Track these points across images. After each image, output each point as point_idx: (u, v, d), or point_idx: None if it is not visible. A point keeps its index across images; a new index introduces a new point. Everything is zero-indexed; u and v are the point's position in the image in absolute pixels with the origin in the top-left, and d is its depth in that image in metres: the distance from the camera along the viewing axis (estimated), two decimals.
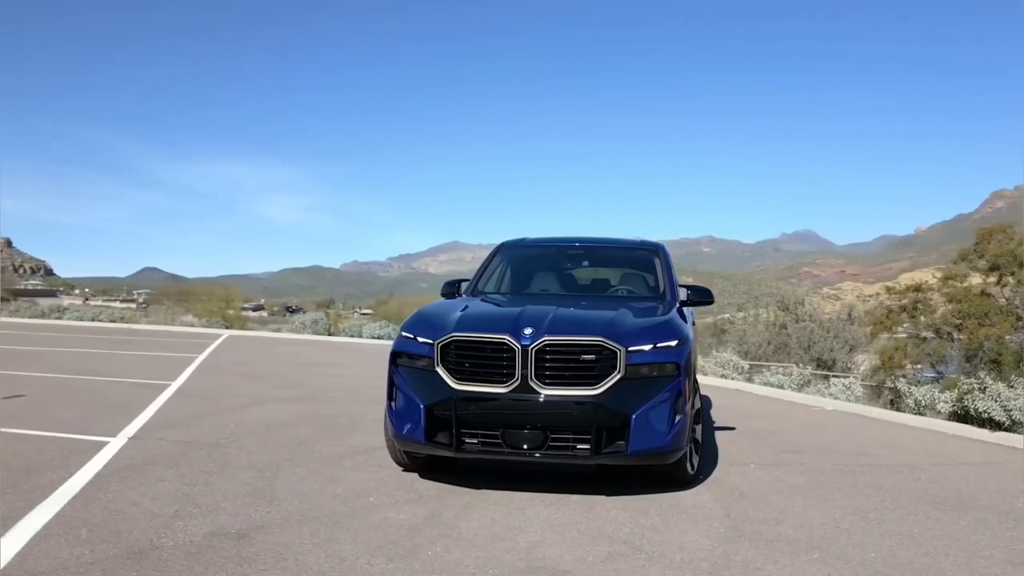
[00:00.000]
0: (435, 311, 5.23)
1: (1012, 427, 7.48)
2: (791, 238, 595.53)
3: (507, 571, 3.41)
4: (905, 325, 9.41)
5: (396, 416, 4.83)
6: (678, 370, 4.65)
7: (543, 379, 4.51)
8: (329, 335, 27.96)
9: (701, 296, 6.03)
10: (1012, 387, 7.79)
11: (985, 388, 7.82)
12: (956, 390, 8.46)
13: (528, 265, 6.74)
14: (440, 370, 4.68)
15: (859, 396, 9.97)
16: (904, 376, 9.16)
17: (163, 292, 46.96)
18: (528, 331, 4.57)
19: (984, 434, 7.53)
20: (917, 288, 10.24)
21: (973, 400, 7.78)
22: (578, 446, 4.53)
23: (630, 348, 4.54)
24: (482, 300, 5.65)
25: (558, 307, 5.04)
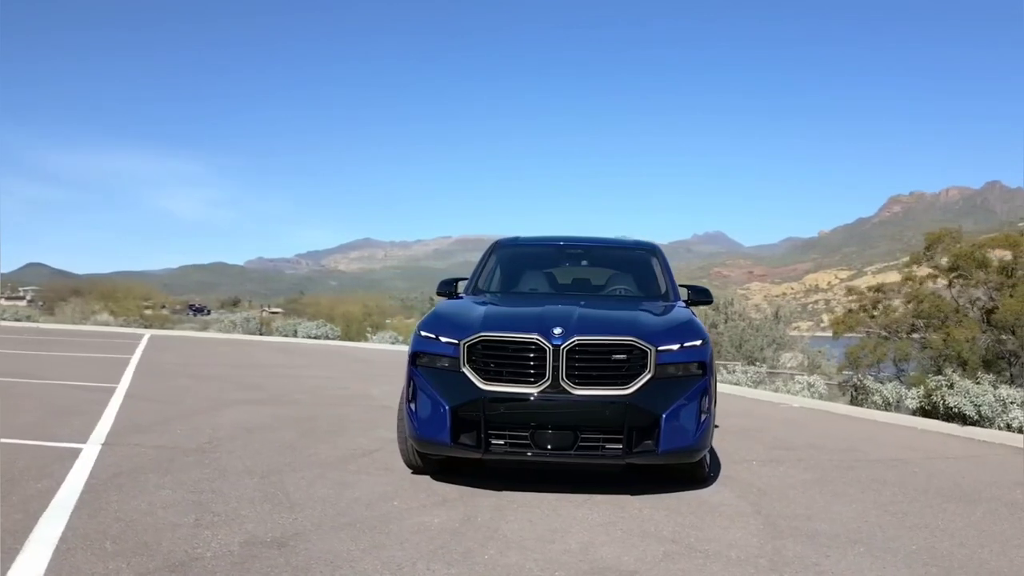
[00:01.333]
0: (453, 310, 5.19)
1: (980, 422, 7.93)
2: (702, 239, 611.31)
3: (573, 573, 3.42)
4: (874, 323, 9.88)
5: (417, 417, 4.76)
6: (704, 369, 4.76)
7: (574, 379, 4.53)
8: (261, 335, 27.30)
9: (701, 296, 6.16)
10: (979, 383, 8.26)
11: (953, 385, 8.27)
12: (923, 387, 8.91)
13: (528, 264, 6.76)
14: (466, 370, 4.64)
15: (822, 393, 10.41)
16: (870, 374, 9.60)
17: (52, 289, 44.56)
18: (558, 331, 4.59)
19: (954, 428, 7.96)
20: (879, 288, 10.78)
21: (943, 396, 8.21)
22: (607, 446, 4.58)
23: (659, 348, 4.62)
24: (495, 299, 5.62)
25: (579, 307, 5.08)
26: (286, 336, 26.18)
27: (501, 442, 4.62)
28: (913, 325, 10.11)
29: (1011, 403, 7.76)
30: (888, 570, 3.58)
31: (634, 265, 6.61)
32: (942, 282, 10.30)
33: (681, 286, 6.34)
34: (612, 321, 4.93)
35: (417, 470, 5.23)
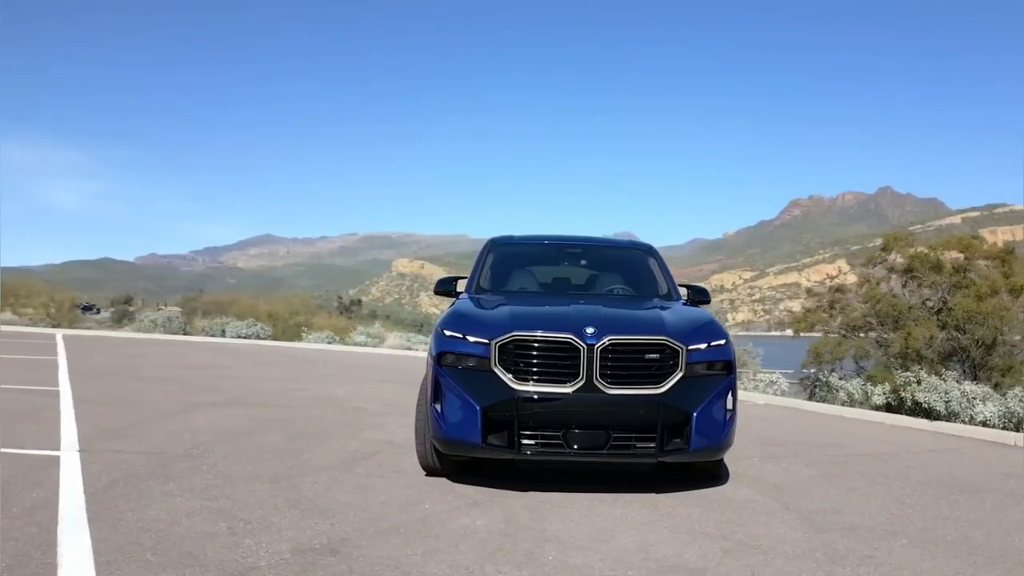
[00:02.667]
0: (475, 310, 5.17)
1: (947, 417, 8.40)
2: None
3: (643, 572, 3.46)
4: (835, 323, 10.33)
5: (445, 418, 4.72)
6: (729, 368, 4.89)
7: (607, 378, 4.59)
8: (185, 334, 26.34)
9: (700, 296, 6.30)
10: (944, 379, 8.74)
11: (920, 381, 8.72)
12: (886, 383, 9.36)
13: (529, 263, 6.78)
14: (498, 370, 4.63)
15: (784, 390, 10.82)
16: (832, 371, 10.03)
17: None
18: (590, 330, 4.63)
19: (923, 423, 8.40)
20: (838, 289, 11.29)
21: (912, 392, 8.65)
22: (638, 445, 4.64)
23: (689, 347, 4.72)
24: (510, 298, 5.60)
25: (602, 307, 5.14)
26: (213, 336, 25.34)
27: (532, 442, 4.63)
28: (869, 324, 10.62)
29: (974, 399, 8.25)
30: (939, 560, 3.77)
31: (634, 265, 6.72)
32: (896, 283, 10.86)
33: (680, 285, 6.47)
34: (641, 321, 5.00)
35: (432, 472, 5.18)
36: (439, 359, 4.81)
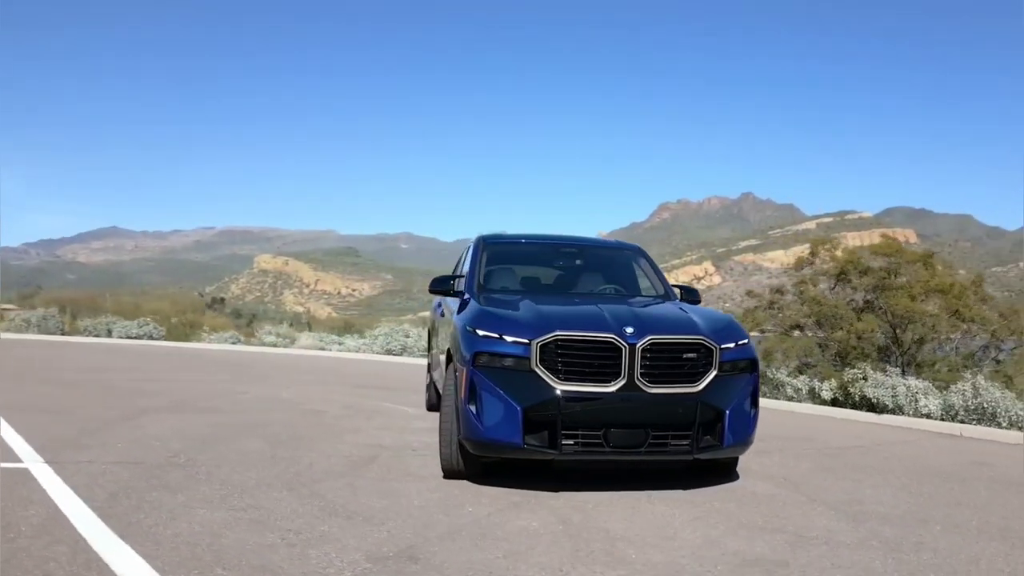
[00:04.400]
0: (504, 310, 5.17)
1: (893, 410, 9.02)
2: None
3: (728, 567, 3.58)
4: (775, 322, 10.89)
5: (482, 419, 4.70)
6: (753, 366, 5.11)
7: (647, 377, 4.70)
8: (63, 334, 24.68)
9: (691, 296, 6.52)
10: (887, 375, 9.39)
11: (867, 377, 9.33)
12: (832, 380, 9.96)
13: (525, 263, 6.84)
14: (539, 370, 4.65)
15: None
16: (779, 369, 10.58)
17: None
18: (629, 330, 4.73)
19: (871, 416, 9.00)
20: (778, 290, 11.90)
21: (861, 387, 9.24)
22: (672, 443, 4.78)
23: (722, 346, 4.91)
24: (529, 298, 5.61)
25: (628, 306, 5.26)
26: (98, 336, 23.87)
27: (571, 442, 4.68)
28: (805, 323, 11.27)
29: (918, 393, 8.91)
30: (981, 543, 4.10)
31: (629, 265, 6.89)
32: (825, 285, 11.59)
33: (673, 286, 6.68)
34: (676, 320, 5.14)
35: (452, 475, 5.13)
36: (474, 359, 4.77)
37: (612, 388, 4.67)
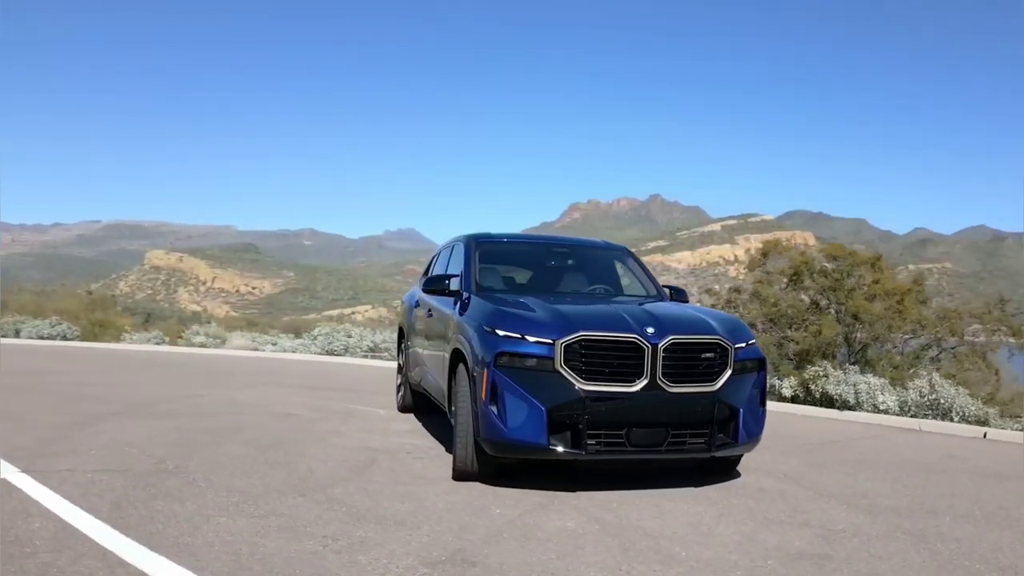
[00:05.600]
0: (520, 310, 5.17)
1: (853, 406, 9.43)
2: (395, 236, 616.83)
3: (777, 562, 3.71)
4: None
5: (506, 420, 4.71)
6: (761, 365, 5.28)
7: (669, 377, 4.80)
8: None
9: (680, 296, 6.68)
10: (846, 373, 9.81)
11: (827, 375, 9.72)
12: (791, 377, 10.32)
13: (520, 262, 6.86)
14: (564, 370, 4.69)
15: None
16: None
17: None
18: (650, 330, 4.83)
19: (834, 413, 9.38)
20: (737, 290, 12.25)
21: (823, 384, 9.62)
22: (690, 441, 4.90)
23: (736, 345, 5.05)
24: (541, 298, 5.63)
25: (640, 307, 5.37)
26: (5, 336, 22.56)
27: (594, 442, 4.74)
28: (763, 323, 11.65)
29: (875, 390, 9.34)
30: (995, 532, 4.38)
31: (620, 265, 6.99)
32: (778, 286, 12.02)
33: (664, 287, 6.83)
34: (692, 321, 5.25)
35: (463, 477, 5.12)
36: (495, 360, 4.77)
37: (635, 388, 4.75)
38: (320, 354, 17.31)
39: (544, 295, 6.04)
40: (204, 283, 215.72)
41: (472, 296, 5.84)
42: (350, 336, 17.25)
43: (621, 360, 4.78)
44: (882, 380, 9.54)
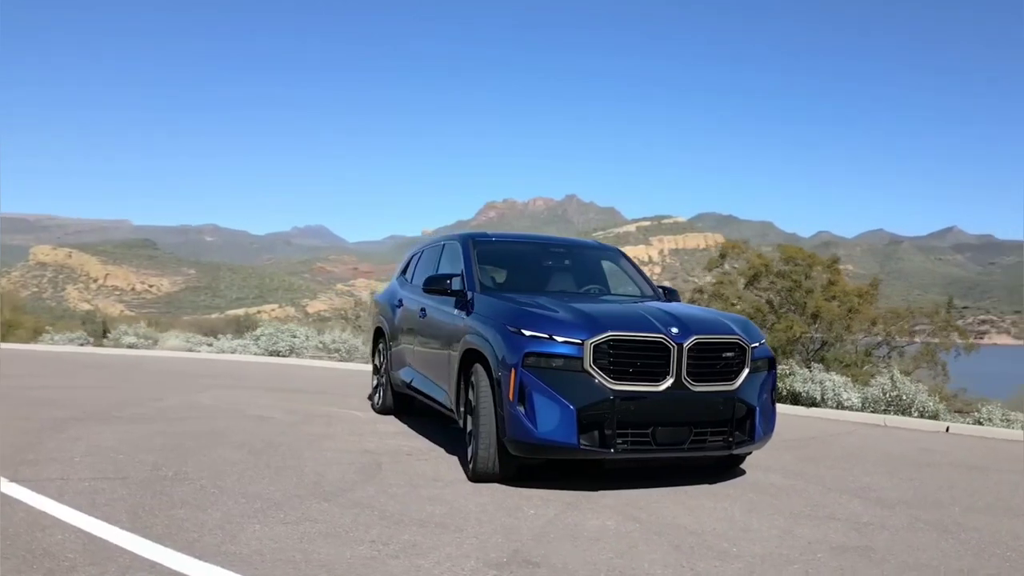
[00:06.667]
0: (541, 308, 5.22)
1: (818, 403, 9.81)
2: (303, 232, 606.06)
3: (826, 554, 3.86)
4: None
5: (535, 420, 4.75)
6: (772, 364, 5.47)
7: (692, 376, 4.93)
8: None
9: (672, 296, 6.84)
10: (811, 371, 10.18)
11: (793, 373, 10.08)
12: None
13: (520, 262, 6.88)
14: (593, 370, 4.75)
15: None
16: None
17: None
18: (674, 330, 4.94)
19: (800, 410, 9.72)
20: (700, 290, 12.55)
21: (791, 382, 9.97)
22: (710, 439, 5.04)
23: (752, 345, 5.22)
24: (557, 298, 5.69)
25: (659, 307, 5.49)
26: None
27: (622, 441, 4.82)
28: None
29: (839, 387, 9.74)
30: (1007, 521, 4.68)
31: (615, 265, 7.11)
32: (740, 286, 12.42)
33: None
34: (711, 321, 5.41)
35: (482, 478, 5.14)
36: (523, 360, 4.79)
37: (662, 387, 4.86)
38: (263, 355, 16.92)
39: (547, 295, 6.10)
40: (96, 280, 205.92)
41: (477, 296, 5.85)
42: (295, 336, 16.92)
43: (648, 360, 4.88)
44: (845, 378, 9.95)
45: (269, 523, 4.08)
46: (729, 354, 5.13)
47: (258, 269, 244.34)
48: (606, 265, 7.15)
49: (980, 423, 9.33)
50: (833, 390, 9.70)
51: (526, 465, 5.21)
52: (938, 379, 11.39)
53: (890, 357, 11.78)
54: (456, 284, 6.17)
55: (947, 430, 8.66)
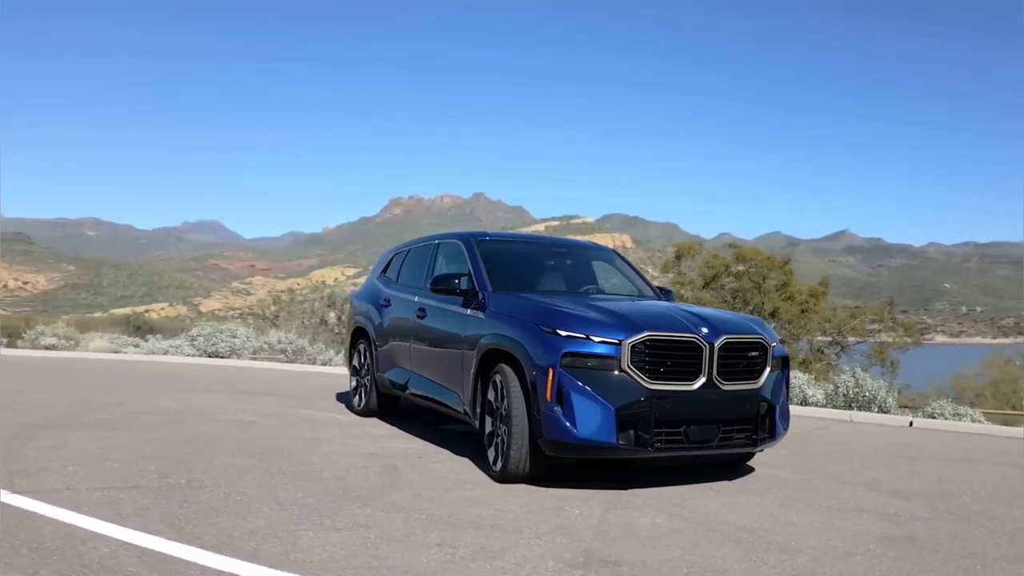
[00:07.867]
0: (572, 308, 5.28)
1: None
2: (195, 227, 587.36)
3: (878, 545, 4.06)
4: None
5: (574, 420, 4.83)
6: (785, 363, 5.71)
7: (722, 375, 5.11)
8: None
9: (667, 296, 7.03)
10: None
11: None
12: None
13: (525, 262, 6.94)
14: (631, 370, 4.87)
15: None
16: None
17: None
18: (705, 330, 5.10)
19: None
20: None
21: None
22: (736, 436, 5.22)
23: (772, 344, 5.42)
24: (577, 298, 5.79)
25: (681, 308, 5.69)
26: None
27: (657, 440, 4.93)
28: None
29: (804, 385, 10.15)
30: (1020, 511, 4.93)
31: (615, 266, 7.26)
32: (697, 285, 12.77)
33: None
34: (736, 321, 5.63)
35: (511, 479, 5.20)
36: (561, 360, 4.85)
37: (695, 386, 5.01)
38: (199, 356, 16.40)
39: (551, 295, 6.18)
40: None
41: (492, 295, 5.87)
42: (235, 337, 16.47)
43: (680, 359, 5.02)
44: (808, 375, 10.36)
45: (322, 529, 4.03)
46: (754, 353, 5.32)
47: (145, 265, 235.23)
48: (606, 265, 7.28)
49: (934, 417, 9.88)
50: (799, 387, 10.09)
51: (554, 466, 5.29)
52: (886, 376, 11.98)
53: (839, 356, 12.33)
54: (464, 283, 6.17)
55: (911, 424, 9.14)
